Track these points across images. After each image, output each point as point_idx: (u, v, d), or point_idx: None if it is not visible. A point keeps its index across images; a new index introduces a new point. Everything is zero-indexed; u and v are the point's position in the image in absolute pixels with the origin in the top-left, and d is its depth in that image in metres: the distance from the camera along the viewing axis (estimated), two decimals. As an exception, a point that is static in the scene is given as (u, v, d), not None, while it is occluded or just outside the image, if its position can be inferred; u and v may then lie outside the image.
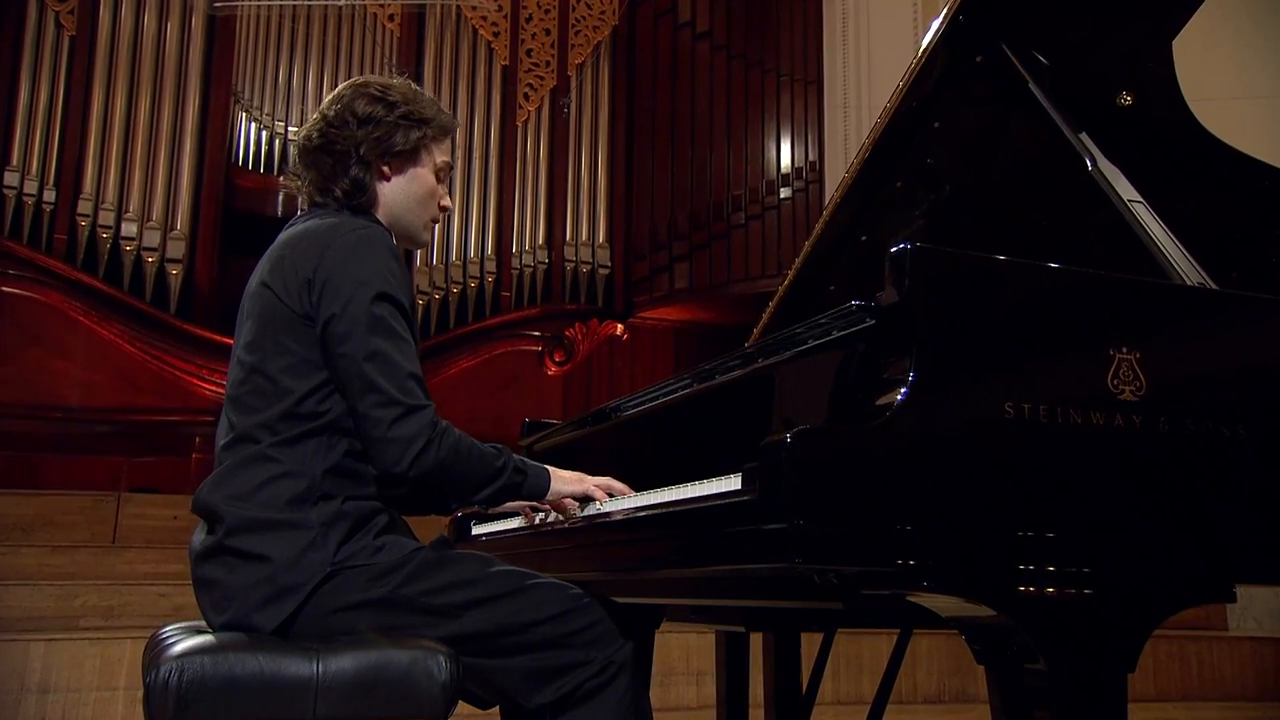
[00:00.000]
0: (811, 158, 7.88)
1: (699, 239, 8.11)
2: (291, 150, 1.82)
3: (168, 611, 4.93)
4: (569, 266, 8.26)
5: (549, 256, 8.27)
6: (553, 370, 8.12)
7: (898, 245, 1.36)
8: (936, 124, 2.17)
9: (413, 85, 1.82)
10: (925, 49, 2.10)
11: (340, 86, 1.81)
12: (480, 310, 8.02)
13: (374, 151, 1.74)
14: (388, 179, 1.77)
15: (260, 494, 1.57)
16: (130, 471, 6.83)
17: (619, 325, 8.30)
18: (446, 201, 1.84)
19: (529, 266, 8.19)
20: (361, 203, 1.75)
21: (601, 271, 8.32)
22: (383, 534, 1.62)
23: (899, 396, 1.28)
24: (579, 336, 8.14)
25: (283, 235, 1.76)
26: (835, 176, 7.40)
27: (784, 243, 7.81)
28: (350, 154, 1.73)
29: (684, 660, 5.04)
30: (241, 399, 1.65)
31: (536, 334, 8.12)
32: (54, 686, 4.24)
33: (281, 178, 1.93)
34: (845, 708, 4.94)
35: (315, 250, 1.64)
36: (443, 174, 1.82)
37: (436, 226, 8.21)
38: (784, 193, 7.93)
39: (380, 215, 1.78)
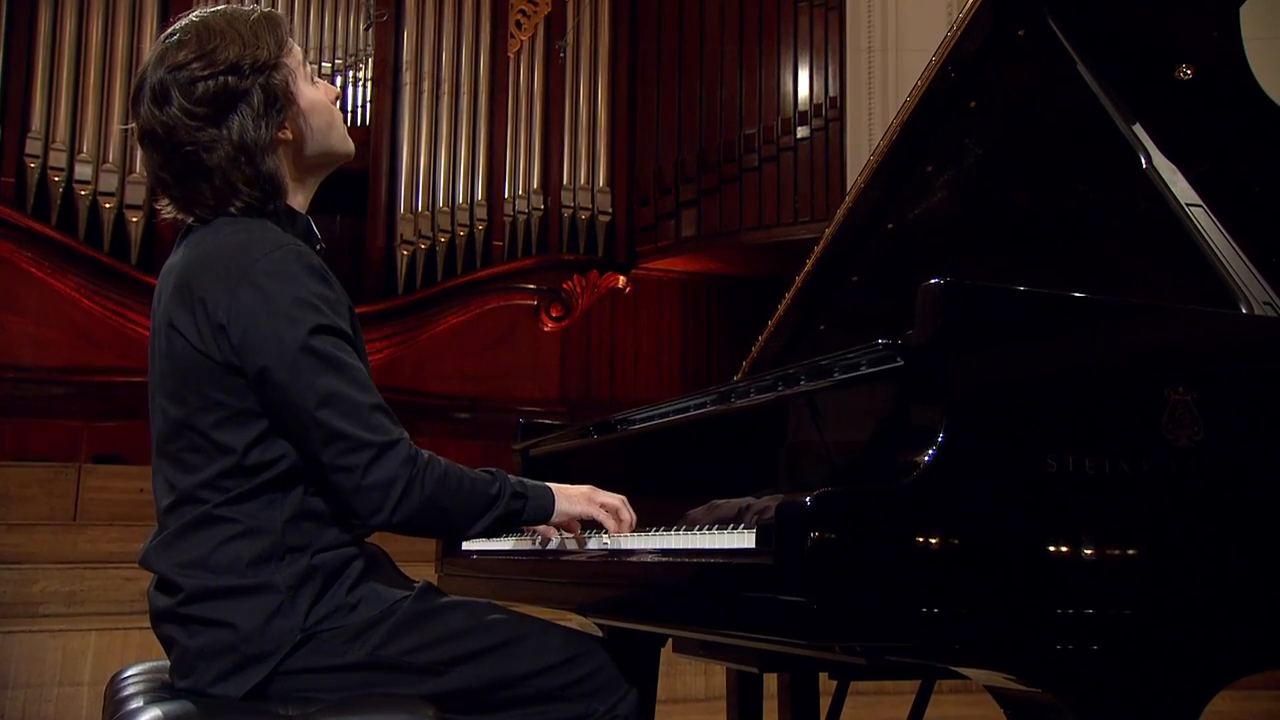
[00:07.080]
0: (832, 93, 7.76)
1: (708, 182, 8.05)
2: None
3: (134, 596, 4.97)
4: (566, 213, 8.20)
5: (545, 202, 8.21)
6: (549, 326, 8.11)
7: (931, 280, 1.34)
8: (972, 104, 2.14)
9: (208, 22, 1.61)
10: (963, 18, 2.06)
11: (144, 82, 1.59)
12: (470, 261, 7.99)
13: (268, 129, 1.59)
14: (289, 137, 1.65)
15: (217, 558, 1.52)
16: (91, 438, 6.86)
17: (621, 277, 8.28)
18: (334, 91, 1.74)
19: (523, 213, 8.14)
20: (277, 191, 1.63)
21: (602, 218, 8.27)
22: (358, 585, 1.59)
23: (929, 455, 1.27)
24: (578, 289, 8.12)
25: (182, 255, 1.61)
26: (858, 116, 7.30)
27: (801, 188, 7.74)
28: (239, 156, 1.57)
29: (691, 649, 5.09)
30: (176, 456, 1.57)
31: (531, 287, 8.10)
32: (13, 681, 4.28)
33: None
34: (863, 699, 5.00)
35: (224, 288, 1.51)
36: (311, 72, 1.71)
37: (421, 173, 8.02)
38: (801, 132, 7.84)
39: (294, 172, 1.68)
